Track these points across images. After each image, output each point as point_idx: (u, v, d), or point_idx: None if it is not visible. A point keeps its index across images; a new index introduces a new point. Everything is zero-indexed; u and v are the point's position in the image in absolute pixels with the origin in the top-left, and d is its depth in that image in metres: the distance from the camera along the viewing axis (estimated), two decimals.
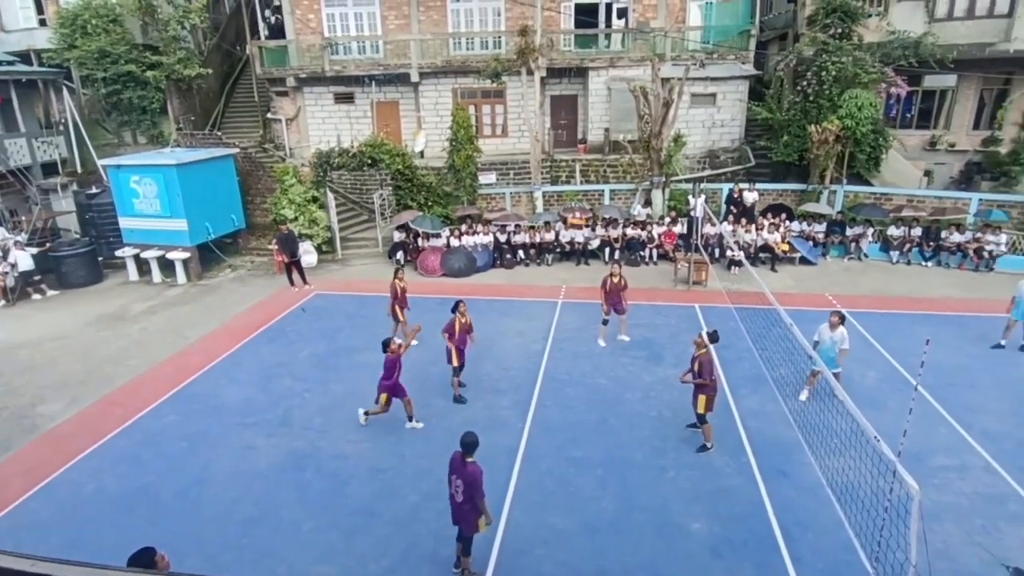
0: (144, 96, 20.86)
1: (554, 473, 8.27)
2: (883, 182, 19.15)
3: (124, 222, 16.78)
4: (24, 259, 15.61)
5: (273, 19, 23.41)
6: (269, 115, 23.25)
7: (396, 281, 11.85)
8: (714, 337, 8.57)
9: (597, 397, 10.18)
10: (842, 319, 9.39)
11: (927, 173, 19.94)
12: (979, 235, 16.10)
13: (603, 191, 20.12)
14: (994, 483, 7.86)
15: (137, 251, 16.74)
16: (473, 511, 6.15)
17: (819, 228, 17.43)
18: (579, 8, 21.93)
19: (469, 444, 6.11)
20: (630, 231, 17.46)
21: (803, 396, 9.78)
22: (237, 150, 18.94)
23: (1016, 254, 15.96)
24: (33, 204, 18.46)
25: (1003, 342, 11.44)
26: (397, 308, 11.87)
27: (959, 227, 16.55)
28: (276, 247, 16.18)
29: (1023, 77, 18.77)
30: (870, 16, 18.81)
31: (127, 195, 16.46)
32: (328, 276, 16.97)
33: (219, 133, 21.46)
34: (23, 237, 16.63)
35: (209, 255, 17.53)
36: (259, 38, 22.67)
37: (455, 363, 10.00)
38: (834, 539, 6.70)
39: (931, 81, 19.82)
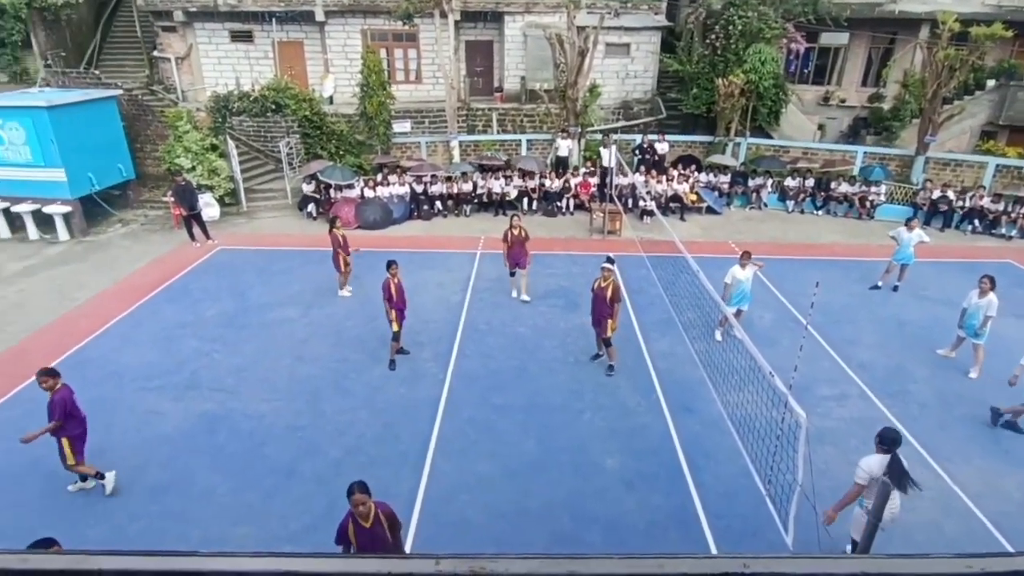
0: (1, 26, 18.28)
1: (476, 421, 8.44)
2: (782, 135, 20.24)
3: None
4: None
5: None
6: (155, 53, 21.12)
7: (335, 231, 11.58)
8: (611, 260, 9.19)
9: (517, 345, 10.38)
10: (993, 285, 9.30)
11: (820, 127, 21.27)
12: (863, 186, 17.46)
13: (520, 141, 20.00)
14: (867, 408, 8.80)
15: (7, 204, 14.98)
16: None
17: (724, 179, 18.25)
18: None
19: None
20: (547, 182, 17.56)
21: (718, 336, 10.48)
22: (120, 92, 17.13)
23: (893, 203, 17.47)
24: None
25: (880, 283, 12.62)
26: (341, 258, 11.68)
27: (851, 179, 17.85)
28: (172, 200, 15.00)
29: (906, 37, 20.18)
30: None
31: None
32: (233, 230, 16.00)
33: (97, 72, 19.27)
34: None
35: (95, 209, 15.99)
36: None
37: (395, 327, 9.47)
38: (733, 467, 7.32)
39: (827, 39, 20.93)
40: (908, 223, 12.26)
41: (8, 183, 14.90)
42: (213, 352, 10.04)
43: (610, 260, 9.21)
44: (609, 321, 9.07)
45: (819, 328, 10.60)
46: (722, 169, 18.45)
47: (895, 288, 12.50)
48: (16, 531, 6.45)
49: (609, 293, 8.93)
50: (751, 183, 18.17)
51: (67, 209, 14.96)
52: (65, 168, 14.66)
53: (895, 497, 5.50)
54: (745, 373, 8.30)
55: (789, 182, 18.02)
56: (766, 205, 18.17)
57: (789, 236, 15.99)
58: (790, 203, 17.91)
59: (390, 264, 9.33)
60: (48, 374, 6.61)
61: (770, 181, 18.17)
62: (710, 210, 17.58)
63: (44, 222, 15.15)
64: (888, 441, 5.48)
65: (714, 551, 6.29)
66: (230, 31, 20.78)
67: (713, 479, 7.34)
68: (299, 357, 9.94)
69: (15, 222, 15.26)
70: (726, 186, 18.18)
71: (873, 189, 17.34)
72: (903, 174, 18.36)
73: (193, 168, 16.00)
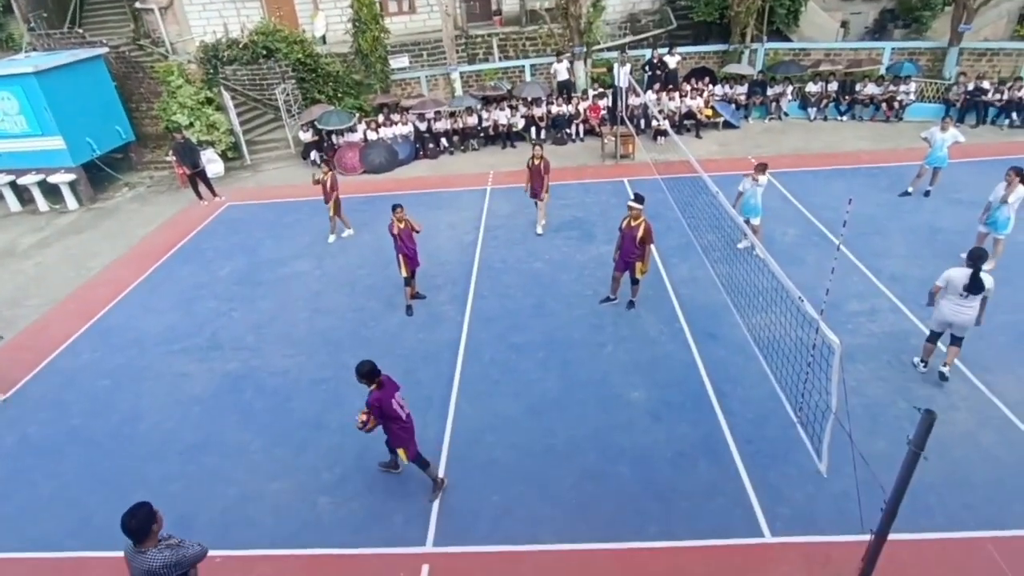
0: None
1: (497, 361, 8.39)
2: (802, 37, 19.00)
3: None
4: None
5: None
6: (138, 4, 20.23)
7: (323, 176, 11.50)
8: (640, 198, 8.61)
9: (533, 282, 10.20)
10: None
11: (844, 24, 19.87)
12: (891, 86, 16.39)
13: (524, 67, 19.09)
14: (899, 321, 8.54)
15: (12, 177, 14.88)
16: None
17: (741, 90, 17.30)
18: None
19: (369, 373, 5.75)
20: (555, 108, 16.83)
21: (740, 245, 10.38)
22: (106, 49, 16.55)
23: (923, 102, 16.46)
24: None
25: (910, 189, 12.03)
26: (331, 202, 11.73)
27: (879, 79, 16.73)
28: (175, 159, 14.72)
29: None
30: None
31: None
32: (239, 185, 15.77)
33: (80, 30, 18.60)
34: None
35: (100, 174, 15.83)
36: None
37: (404, 272, 9.39)
38: (761, 391, 7.20)
39: None
40: (942, 122, 11.53)
41: (10, 156, 14.76)
42: (231, 311, 10.05)
43: (638, 198, 8.59)
44: (639, 264, 8.72)
45: (847, 242, 10.18)
46: (738, 80, 17.47)
47: (927, 193, 11.93)
48: (63, 500, 6.67)
49: (639, 233, 8.45)
50: (770, 92, 17.21)
51: (72, 177, 14.81)
52: (63, 135, 14.42)
53: (959, 310, 6.97)
54: (770, 294, 8.02)
55: (811, 87, 17.03)
56: (787, 115, 17.28)
57: (812, 146, 15.24)
58: (812, 110, 16.98)
59: (395, 208, 9.05)
60: None
61: (790, 88, 17.18)
62: (727, 125, 16.79)
63: (51, 192, 15.07)
64: (973, 256, 6.87)
65: (745, 477, 6.26)
66: None
67: (741, 405, 7.25)
68: (316, 310, 9.91)
69: (23, 195, 15.20)
70: (743, 98, 17.25)
71: (903, 88, 16.28)
72: (935, 68, 17.22)
73: (191, 124, 15.63)
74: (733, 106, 17.11)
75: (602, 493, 6.25)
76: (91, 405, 8.10)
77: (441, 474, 6.56)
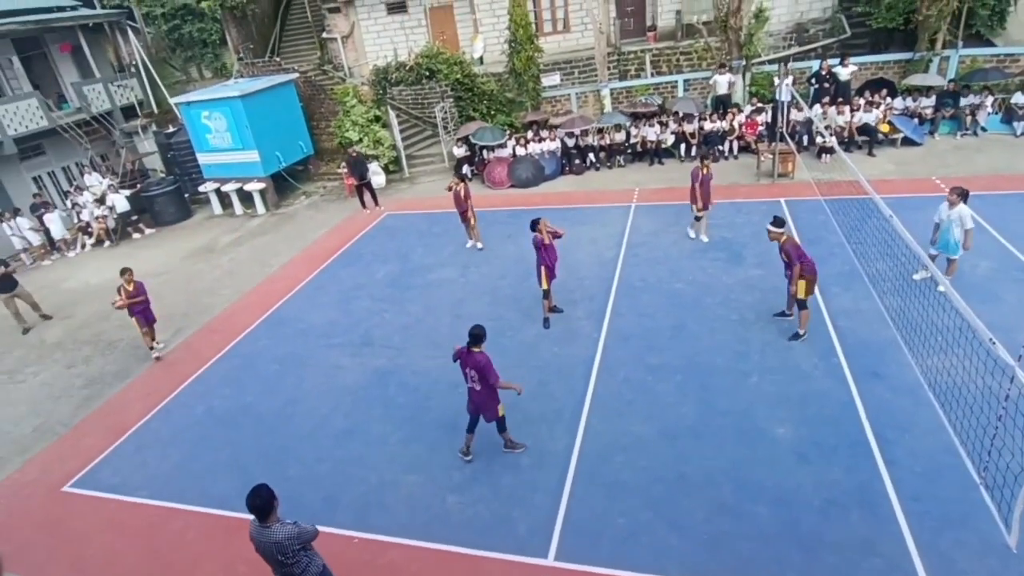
0: (203, 28, 20.96)
1: (632, 381, 8.20)
2: (1008, 41, 16.51)
3: (202, 158, 17.38)
4: (120, 201, 16.68)
5: None
6: (324, 35, 22.79)
7: (455, 187, 12.13)
8: (779, 222, 8.23)
9: (674, 302, 9.86)
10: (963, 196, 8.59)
11: None
12: None
13: (676, 82, 18.62)
14: None
15: (217, 185, 17.40)
16: (491, 396, 6.72)
17: (927, 103, 15.41)
18: None
19: (475, 336, 6.57)
20: (708, 124, 16.19)
21: (916, 276, 9.24)
22: (296, 75, 18.83)
23: None
24: (119, 148, 19.41)
25: None
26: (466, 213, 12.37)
27: None
28: (345, 171, 16.31)
29: None
30: None
31: (200, 131, 16.92)
32: (397, 196, 17.04)
33: (278, 59, 21.35)
34: (115, 180, 17.70)
35: (283, 184, 17.99)
36: None
37: (544, 285, 9.55)
38: (934, 443, 6.32)
39: None
40: None
41: (217, 166, 17.26)
42: (383, 312, 10.86)
43: (776, 222, 8.23)
44: (798, 282, 8.22)
45: None
46: (924, 91, 15.58)
47: None
48: (236, 465, 7.61)
49: (784, 257, 8.18)
50: (963, 103, 15.12)
51: (262, 186, 16.98)
52: (258, 149, 16.59)
53: None
54: (952, 334, 7.02)
55: (1018, 98, 14.70)
56: (984, 129, 15.07)
57: (1016, 165, 13.14)
58: (1019, 124, 14.64)
59: (536, 222, 9.24)
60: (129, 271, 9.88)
61: (990, 99, 14.97)
62: (907, 141, 15.03)
63: (245, 198, 17.38)
64: None
65: (908, 538, 5.51)
66: (386, 4, 21.68)
67: (908, 456, 6.40)
68: (458, 316, 10.37)
69: (225, 200, 17.69)
70: (930, 111, 15.33)
71: None
72: None
73: (360, 140, 17.21)
74: (916, 120, 15.30)
75: (736, 531, 5.84)
76: (262, 386, 9.17)
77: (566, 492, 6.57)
